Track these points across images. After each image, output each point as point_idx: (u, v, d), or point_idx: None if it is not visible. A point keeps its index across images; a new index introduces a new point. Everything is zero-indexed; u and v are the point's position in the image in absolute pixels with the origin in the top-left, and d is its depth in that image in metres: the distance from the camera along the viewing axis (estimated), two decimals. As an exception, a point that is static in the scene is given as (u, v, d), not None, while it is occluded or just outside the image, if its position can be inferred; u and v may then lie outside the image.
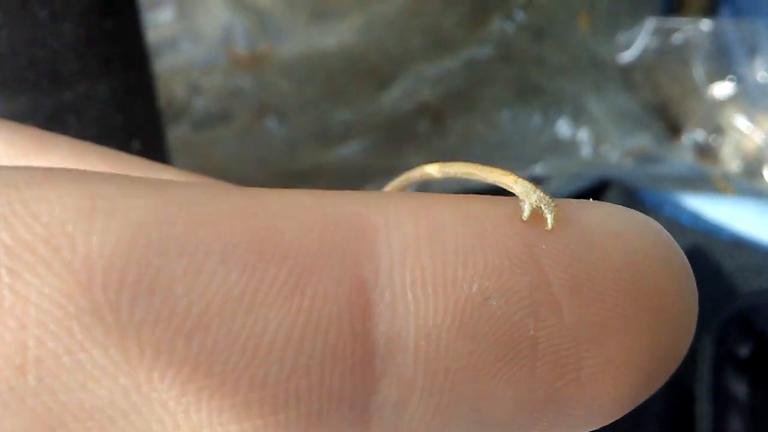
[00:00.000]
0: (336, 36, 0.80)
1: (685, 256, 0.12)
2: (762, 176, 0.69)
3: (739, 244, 0.54)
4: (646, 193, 0.56)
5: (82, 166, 0.15)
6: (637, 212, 0.12)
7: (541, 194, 0.12)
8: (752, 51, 0.73)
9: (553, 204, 0.12)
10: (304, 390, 0.10)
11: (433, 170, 0.14)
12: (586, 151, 0.70)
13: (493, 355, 0.11)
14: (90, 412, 0.09)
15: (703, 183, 0.66)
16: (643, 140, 0.71)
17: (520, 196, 0.12)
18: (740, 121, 0.71)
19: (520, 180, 0.12)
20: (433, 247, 0.11)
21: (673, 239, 0.12)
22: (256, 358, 0.10)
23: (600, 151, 0.70)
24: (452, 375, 0.10)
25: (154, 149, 0.36)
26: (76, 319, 0.09)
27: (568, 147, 0.71)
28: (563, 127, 0.72)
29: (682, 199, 0.57)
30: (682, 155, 0.70)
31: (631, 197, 0.55)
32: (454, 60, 0.79)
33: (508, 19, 0.80)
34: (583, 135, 0.71)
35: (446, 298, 0.10)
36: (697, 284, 0.13)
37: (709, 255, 0.53)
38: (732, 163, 0.70)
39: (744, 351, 0.38)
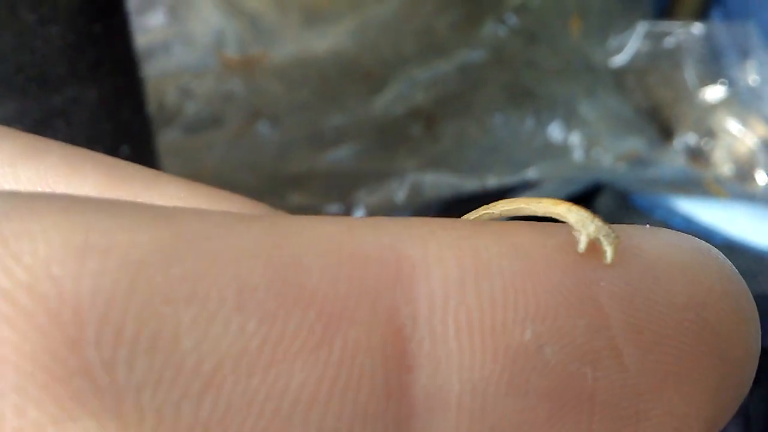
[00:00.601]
0: (328, 40, 0.80)
1: (747, 287, 0.11)
2: (754, 180, 0.69)
3: (732, 248, 0.54)
4: (638, 197, 0.56)
5: (74, 175, 0.14)
6: (698, 240, 0.11)
7: (600, 223, 0.10)
8: (744, 54, 0.73)
9: (613, 235, 0.10)
10: None
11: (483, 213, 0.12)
12: (578, 154, 0.70)
13: (547, 411, 0.09)
14: None
15: (695, 187, 0.66)
16: (635, 144, 0.71)
17: (576, 226, 0.11)
18: (732, 125, 0.71)
19: (574, 208, 0.11)
20: (479, 286, 0.09)
21: (734, 269, 0.11)
22: (276, 421, 0.08)
23: (592, 155, 0.70)
24: None
25: (143, 154, 0.36)
26: (64, 382, 0.07)
27: (561, 151, 0.71)
28: (555, 131, 0.72)
29: (674, 202, 0.57)
30: (674, 159, 0.71)
31: (624, 201, 0.55)
32: (446, 64, 0.79)
33: (500, 23, 0.80)
34: (576, 139, 0.71)
35: (495, 347, 0.09)
36: None
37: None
38: (724, 167, 0.70)
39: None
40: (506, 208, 0.12)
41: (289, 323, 0.08)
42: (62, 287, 0.08)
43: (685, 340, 0.10)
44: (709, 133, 0.71)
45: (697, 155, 0.71)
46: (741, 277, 0.11)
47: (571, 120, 0.72)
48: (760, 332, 0.11)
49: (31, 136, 0.15)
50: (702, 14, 0.79)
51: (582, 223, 0.10)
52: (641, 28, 0.76)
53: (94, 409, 0.08)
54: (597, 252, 0.10)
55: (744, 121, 0.71)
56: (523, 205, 0.12)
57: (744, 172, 0.69)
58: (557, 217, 0.11)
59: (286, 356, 0.08)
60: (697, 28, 0.74)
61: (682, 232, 0.11)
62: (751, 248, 0.54)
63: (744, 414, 0.36)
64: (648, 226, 0.11)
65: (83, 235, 0.08)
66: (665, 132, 0.74)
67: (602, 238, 0.10)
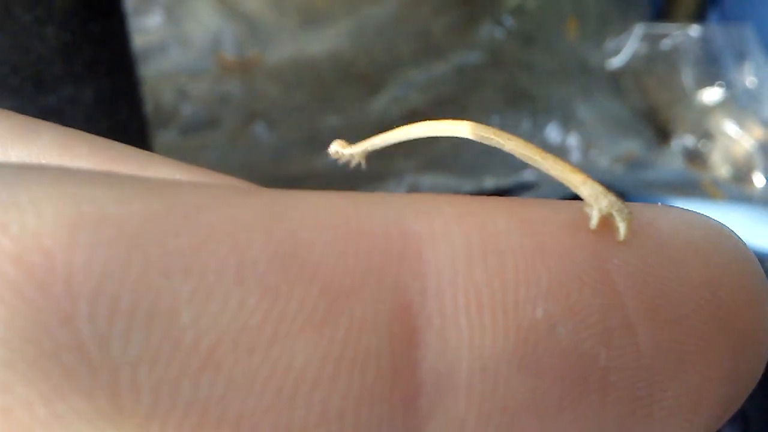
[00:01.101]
0: (325, 42, 0.80)
1: (761, 267, 0.11)
2: (751, 182, 0.69)
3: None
4: (635, 200, 0.56)
5: (66, 155, 0.13)
6: (712, 219, 0.11)
7: (613, 199, 0.10)
8: (741, 56, 0.73)
9: (627, 211, 0.10)
10: None
11: (482, 132, 0.12)
12: (575, 156, 0.70)
13: (559, 391, 0.09)
14: None
15: (692, 189, 0.66)
16: (632, 146, 0.71)
17: (588, 200, 0.10)
18: (729, 127, 0.71)
19: (589, 181, 0.11)
20: (488, 262, 0.09)
21: (749, 249, 0.11)
22: (278, 401, 0.08)
23: (589, 157, 0.70)
24: (510, 416, 0.09)
25: (141, 155, 0.36)
26: (54, 358, 0.07)
27: (558, 153, 0.70)
28: (553, 133, 0.72)
29: (671, 204, 0.57)
30: (671, 161, 0.71)
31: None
32: (443, 66, 0.79)
33: (497, 25, 0.80)
34: (573, 141, 0.71)
35: (507, 325, 0.09)
36: None
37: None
38: (721, 169, 0.70)
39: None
40: (518, 147, 0.11)
41: (292, 299, 0.08)
42: (53, 259, 0.07)
43: (701, 320, 0.10)
44: (707, 135, 0.72)
45: (694, 157, 0.71)
46: (755, 256, 0.11)
47: (568, 122, 0.72)
48: None
49: (22, 117, 0.14)
50: (699, 16, 0.79)
51: (595, 197, 0.10)
52: (638, 30, 0.76)
53: (86, 386, 0.07)
54: (609, 228, 0.10)
55: (741, 123, 0.71)
56: (537, 157, 0.11)
57: (741, 174, 0.69)
58: (569, 186, 0.11)
59: (289, 333, 0.08)
60: (694, 30, 0.74)
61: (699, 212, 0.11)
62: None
63: (743, 416, 0.35)
64: (660, 204, 0.11)
65: (76, 206, 0.07)
66: (662, 134, 0.74)
67: (615, 214, 0.10)
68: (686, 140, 0.72)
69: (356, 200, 0.09)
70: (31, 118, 0.14)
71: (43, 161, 0.13)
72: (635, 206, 0.10)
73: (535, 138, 0.71)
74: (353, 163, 0.14)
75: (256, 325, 0.08)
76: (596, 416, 0.09)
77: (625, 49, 0.76)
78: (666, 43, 0.75)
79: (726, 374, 0.10)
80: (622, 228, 0.10)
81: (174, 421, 0.07)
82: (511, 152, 0.11)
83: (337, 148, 0.14)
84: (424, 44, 0.80)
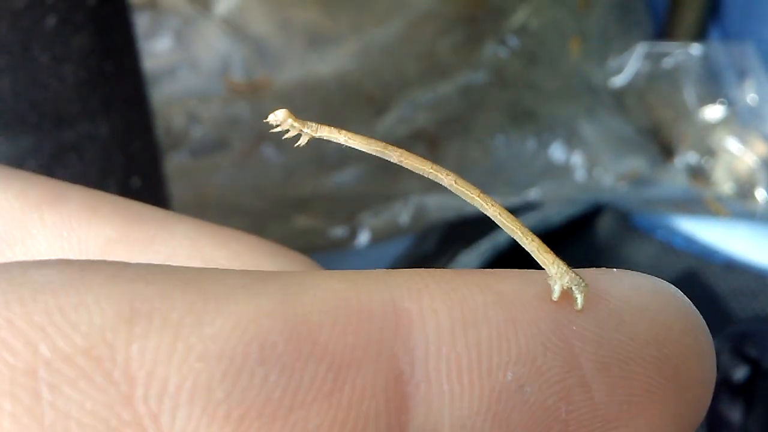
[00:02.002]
0: (331, 64, 0.81)
1: (704, 323, 0.12)
2: (755, 198, 0.69)
3: (733, 267, 0.54)
4: (639, 218, 0.57)
5: (93, 218, 0.15)
6: (660, 281, 0.12)
7: (573, 275, 0.12)
8: (742, 74, 0.74)
9: (583, 284, 0.12)
10: None
11: (467, 190, 0.13)
12: (579, 174, 0.71)
13: None
14: None
15: (696, 205, 0.67)
16: (636, 163, 0.72)
17: (554, 277, 0.12)
18: (732, 144, 0.72)
19: (557, 260, 0.12)
20: (467, 334, 0.10)
21: (694, 308, 0.12)
22: None
23: (594, 175, 0.70)
24: None
25: (153, 184, 0.37)
26: None
27: (562, 171, 0.71)
28: (557, 152, 0.73)
29: (675, 222, 0.57)
30: (675, 178, 0.71)
31: (625, 222, 0.55)
32: (448, 86, 0.80)
33: (501, 45, 0.81)
34: (577, 159, 0.72)
35: (481, 388, 0.10)
36: None
37: (702, 278, 0.54)
38: (725, 185, 0.71)
39: (738, 375, 0.38)
40: (503, 219, 0.13)
41: (306, 374, 0.09)
42: (115, 350, 0.09)
43: (648, 374, 0.11)
44: (710, 152, 0.72)
45: (697, 174, 0.72)
46: (699, 313, 0.12)
47: (572, 140, 0.73)
48: (715, 362, 0.12)
49: (52, 181, 0.16)
50: (700, 35, 0.80)
51: (560, 275, 0.12)
52: (640, 48, 0.77)
53: None
54: (569, 300, 0.12)
55: (743, 140, 0.71)
56: (517, 230, 0.13)
57: (744, 190, 0.70)
58: (540, 262, 0.12)
59: (304, 402, 0.09)
60: (696, 48, 0.75)
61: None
62: (752, 267, 0.54)
63: (742, 435, 0.36)
64: (615, 270, 0.12)
65: (129, 303, 0.09)
66: (666, 151, 0.74)
67: (574, 288, 0.12)
68: (689, 157, 0.72)
69: (356, 281, 0.11)
70: (60, 181, 0.16)
71: (74, 223, 0.15)
72: (590, 275, 0.12)
73: (540, 157, 0.72)
74: (298, 140, 0.14)
75: (277, 397, 0.09)
76: None
77: (628, 67, 0.77)
78: (668, 62, 0.75)
79: (672, 420, 0.11)
80: (579, 299, 0.12)
81: None
82: (493, 218, 0.13)
83: (286, 118, 0.13)
84: (429, 64, 0.81)
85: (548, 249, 0.13)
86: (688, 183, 0.71)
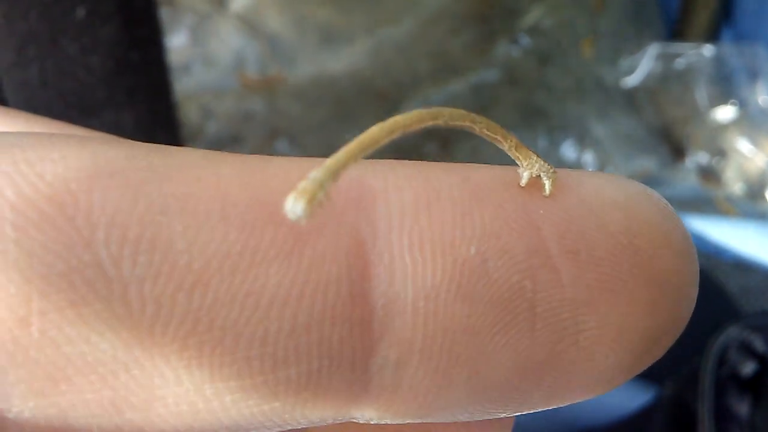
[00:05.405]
0: (345, 60, 0.82)
1: (683, 225, 0.12)
2: (765, 198, 0.70)
3: (742, 266, 0.55)
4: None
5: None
6: (636, 182, 0.12)
7: (541, 161, 0.12)
8: (754, 75, 0.74)
9: (551, 171, 0.12)
10: (303, 348, 0.10)
11: (422, 116, 0.12)
12: (591, 173, 0.71)
13: (492, 317, 0.11)
14: (93, 365, 0.09)
15: (706, 205, 0.67)
16: (647, 163, 0.72)
17: (524, 166, 0.12)
18: (743, 144, 0.72)
19: (530, 152, 0.12)
20: (431, 210, 0.11)
21: (671, 208, 0.12)
22: (255, 315, 0.10)
23: (605, 174, 0.71)
24: (451, 337, 0.10)
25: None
26: (79, 272, 0.09)
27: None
28: (568, 150, 0.73)
29: (686, 221, 0.58)
30: (686, 178, 0.72)
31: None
32: (460, 84, 0.80)
33: (513, 44, 0.81)
34: (588, 158, 0.72)
35: (444, 260, 0.10)
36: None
37: (712, 276, 0.54)
38: (735, 186, 0.71)
39: (746, 371, 0.39)
40: (456, 119, 0.12)
41: (266, 234, 0.10)
42: (77, 198, 0.09)
43: (617, 261, 0.11)
44: (720, 153, 0.73)
45: (708, 174, 0.72)
46: (679, 218, 0.12)
47: (583, 139, 0.73)
48: (696, 266, 0.12)
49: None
50: (713, 36, 0.80)
51: (530, 164, 0.12)
52: (653, 49, 0.77)
53: (104, 295, 0.09)
54: (539, 188, 0.12)
55: (754, 141, 0.72)
56: (470, 123, 0.12)
57: (755, 190, 0.70)
58: (503, 149, 0.12)
59: (263, 260, 0.10)
60: (708, 49, 0.75)
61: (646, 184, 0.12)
62: (762, 265, 0.55)
63: (750, 426, 0.36)
64: (595, 171, 0.12)
65: (94, 161, 0.10)
66: (677, 151, 0.75)
67: (542, 174, 0.12)
68: (700, 157, 0.73)
69: (322, 161, 0.11)
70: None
71: None
72: (564, 171, 0.12)
73: (551, 155, 0.73)
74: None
75: (236, 252, 0.10)
76: (527, 340, 0.11)
77: (640, 67, 0.78)
78: (680, 62, 0.76)
79: (645, 312, 0.11)
80: (547, 185, 0.12)
81: (173, 327, 0.09)
82: (480, 134, 0.12)
83: (300, 201, 0.11)
84: (441, 63, 0.82)
85: (525, 146, 0.12)
86: (699, 183, 0.71)
